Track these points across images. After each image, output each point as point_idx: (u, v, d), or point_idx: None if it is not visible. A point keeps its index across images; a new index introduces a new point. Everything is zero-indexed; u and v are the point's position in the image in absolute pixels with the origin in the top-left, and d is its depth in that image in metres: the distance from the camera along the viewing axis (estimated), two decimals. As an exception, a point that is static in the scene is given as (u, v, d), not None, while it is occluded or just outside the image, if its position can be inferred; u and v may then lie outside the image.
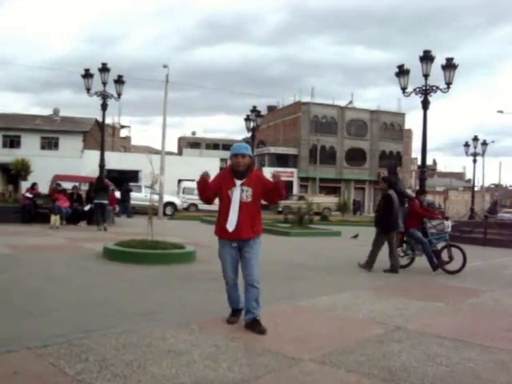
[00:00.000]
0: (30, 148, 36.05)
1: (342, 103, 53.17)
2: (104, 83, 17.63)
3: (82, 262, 8.43)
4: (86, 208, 16.35)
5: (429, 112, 13.75)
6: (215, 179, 4.65)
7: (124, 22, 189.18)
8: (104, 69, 17.62)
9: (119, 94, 18.34)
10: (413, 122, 64.51)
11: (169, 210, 26.22)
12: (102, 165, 17.68)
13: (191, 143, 67.33)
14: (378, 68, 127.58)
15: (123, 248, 8.82)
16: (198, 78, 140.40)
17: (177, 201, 28.31)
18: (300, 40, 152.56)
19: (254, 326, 4.41)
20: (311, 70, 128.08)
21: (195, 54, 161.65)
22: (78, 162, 35.72)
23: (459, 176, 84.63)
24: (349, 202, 37.68)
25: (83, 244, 11.00)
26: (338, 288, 7.03)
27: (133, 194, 24.94)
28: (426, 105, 13.66)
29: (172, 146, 71.80)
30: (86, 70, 17.68)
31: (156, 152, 40.86)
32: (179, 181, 34.82)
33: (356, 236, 15.93)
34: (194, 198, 26.94)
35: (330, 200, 36.94)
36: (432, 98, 13.70)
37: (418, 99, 13.71)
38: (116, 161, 35.02)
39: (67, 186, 18.00)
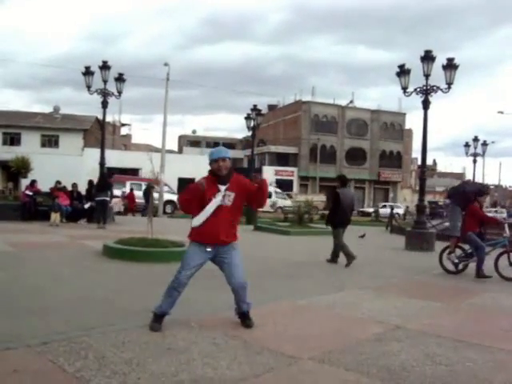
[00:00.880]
0: (30, 145, 36.05)
1: (343, 102, 53.35)
2: (105, 81, 17.59)
3: (82, 260, 8.43)
4: (86, 206, 16.36)
5: (429, 112, 13.77)
6: (197, 193, 4.32)
7: (125, 20, 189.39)
8: (105, 66, 17.56)
9: (120, 92, 18.30)
10: (413, 121, 64.85)
11: (169, 208, 26.25)
12: (102, 163, 17.64)
13: (192, 141, 67.31)
14: (380, 68, 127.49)
15: (123, 246, 8.83)
16: (199, 76, 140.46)
17: (176, 199, 28.35)
18: (302, 39, 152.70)
19: (246, 318, 4.53)
20: (312, 69, 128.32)
21: (196, 53, 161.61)
22: (78, 160, 35.74)
23: (459, 176, 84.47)
24: None
25: (83, 242, 11.00)
26: (338, 287, 7.03)
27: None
28: (426, 105, 13.66)
29: (172, 145, 71.92)
30: (87, 68, 17.64)
31: (156, 150, 40.85)
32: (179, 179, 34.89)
33: (363, 236, 15.89)
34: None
35: (318, 198, 35.26)
36: (433, 98, 13.71)
37: (418, 99, 13.73)
38: (116, 159, 35.04)
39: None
